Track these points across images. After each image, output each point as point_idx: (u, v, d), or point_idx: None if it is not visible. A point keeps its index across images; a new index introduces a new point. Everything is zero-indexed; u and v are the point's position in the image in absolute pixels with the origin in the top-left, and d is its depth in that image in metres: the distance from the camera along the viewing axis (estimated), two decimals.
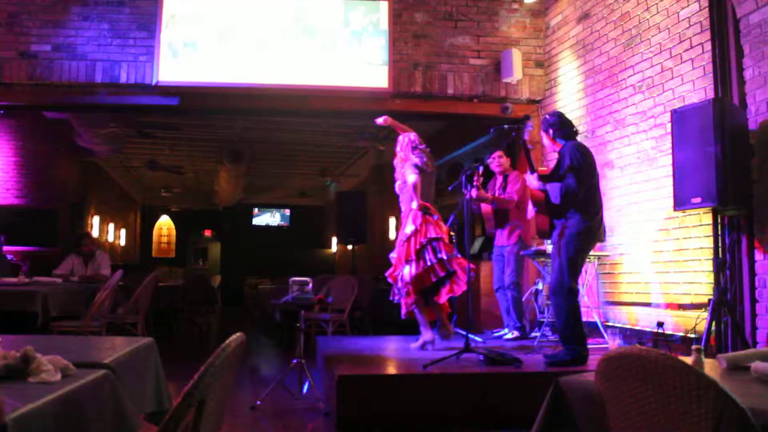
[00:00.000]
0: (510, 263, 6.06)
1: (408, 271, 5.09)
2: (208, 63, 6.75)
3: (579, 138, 5.42)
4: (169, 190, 17.66)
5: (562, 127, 4.70)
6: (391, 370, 4.52)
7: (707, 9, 4.81)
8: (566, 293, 4.39)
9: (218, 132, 11.76)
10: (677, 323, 5.02)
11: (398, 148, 5.53)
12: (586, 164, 4.51)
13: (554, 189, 4.49)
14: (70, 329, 5.47)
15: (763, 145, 4.26)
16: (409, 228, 5.17)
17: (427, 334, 5.24)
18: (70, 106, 7.81)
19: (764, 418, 1.47)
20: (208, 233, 20.75)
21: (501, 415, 4.07)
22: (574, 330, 4.42)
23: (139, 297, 6.19)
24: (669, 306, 5.15)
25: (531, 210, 4.81)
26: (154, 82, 6.63)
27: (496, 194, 6.16)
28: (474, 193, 5.63)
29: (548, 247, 5.63)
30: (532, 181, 4.62)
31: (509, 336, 6.01)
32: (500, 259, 6.19)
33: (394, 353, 5.26)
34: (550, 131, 4.70)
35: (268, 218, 20.74)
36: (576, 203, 4.44)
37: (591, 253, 5.79)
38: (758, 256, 4.31)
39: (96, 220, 13.34)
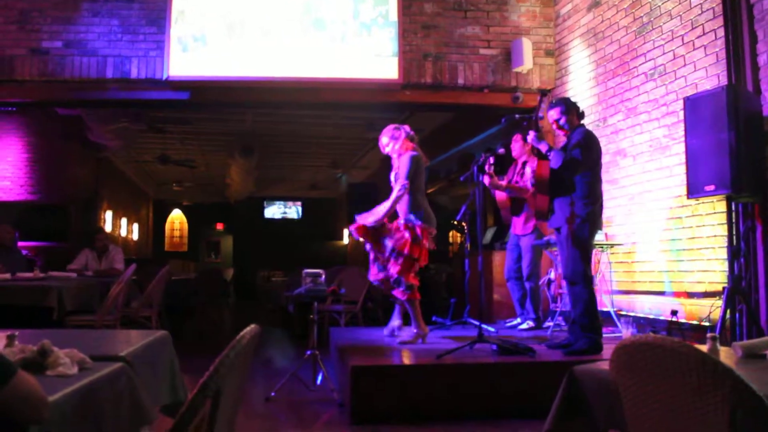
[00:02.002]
0: (526, 255, 6.01)
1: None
2: (218, 57, 6.76)
3: (591, 126, 5.37)
4: (180, 184, 17.75)
5: (578, 112, 4.68)
6: (405, 360, 4.52)
7: None
8: (583, 280, 4.37)
9: (229, 125, 11.79)
10: (691, 312, 5.00)
11: (388, 139, 5.31)
12: (594, 149, 4.48)
13: (557, 157, 4.42)
14: (85, 323, 5.51)
15: None
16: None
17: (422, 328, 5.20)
18: (81, 102, 7.86)
19: None
20: (220, 227, 20.83)
21: (515, 404, 4.07)
22: (592, 318, 4.40)
23: (152, 291, 6.23)
24: (683, 294, 5.12)
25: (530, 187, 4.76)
26: (164, 77, 6.66)
27: (513, 180, 6.10)
28: (487, 180, 5.57)
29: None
30: (540, 142, 4.57)
31: (524, 326, 6.00)
32: (515, 248, 6.12)
33: (407, 344, 5.26)
34: (568, 114, 4.62)
35: (280, 211, 20.80)
36: (577, 180, 4.38)
37: (604, 241, 5.78)
38: None
39: (108, 214, 13.43)
